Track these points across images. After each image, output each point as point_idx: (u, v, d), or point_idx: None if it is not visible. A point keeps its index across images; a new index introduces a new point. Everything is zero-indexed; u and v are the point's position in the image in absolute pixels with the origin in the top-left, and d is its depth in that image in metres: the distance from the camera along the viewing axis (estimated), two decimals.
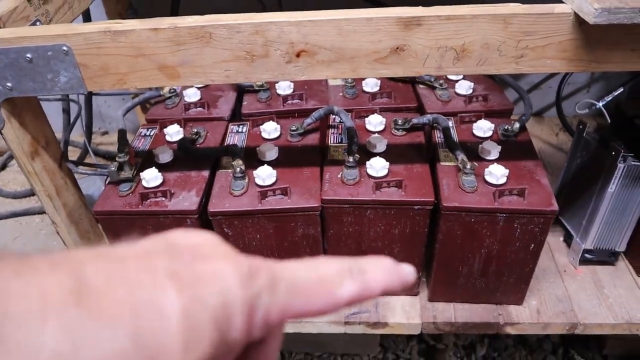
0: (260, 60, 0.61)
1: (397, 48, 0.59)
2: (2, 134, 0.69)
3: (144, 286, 0.19)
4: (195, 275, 0.20)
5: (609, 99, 1.02)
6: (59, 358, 0.16)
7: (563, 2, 0.57)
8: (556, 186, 0.95)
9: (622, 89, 1.05)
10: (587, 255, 0.90)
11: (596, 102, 1.01)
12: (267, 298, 0.21)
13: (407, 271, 0.26)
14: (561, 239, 0.98)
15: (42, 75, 0.63)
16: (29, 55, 0.61)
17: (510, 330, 0.86)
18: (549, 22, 0.57)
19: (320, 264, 0.24)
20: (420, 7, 0.58)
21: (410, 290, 0.87)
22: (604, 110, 1.00)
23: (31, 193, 1.28)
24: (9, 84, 0.63)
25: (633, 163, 0.77)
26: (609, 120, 0.98)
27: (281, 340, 0.26)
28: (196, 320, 0.19)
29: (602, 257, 0.91)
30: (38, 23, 0.73)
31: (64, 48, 0.60)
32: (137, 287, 0.19)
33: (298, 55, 0.60)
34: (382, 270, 0.25)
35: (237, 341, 0.21)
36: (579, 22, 0.56)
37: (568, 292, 0.89)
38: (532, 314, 0.86)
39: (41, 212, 1.21)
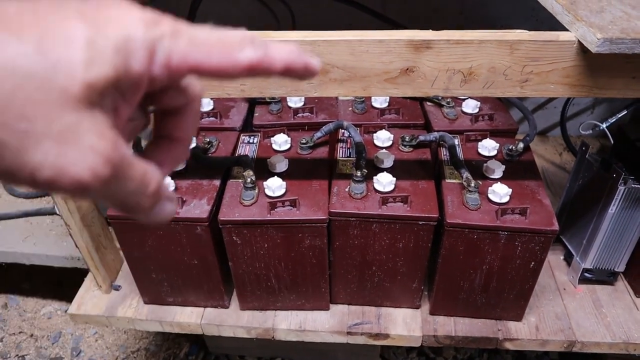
0: (275, 77, 0.63)
1: (407, 69, 0.61)
2: None
3: (53, 18, 0.21)
4: (102, 16, 0.22)
5: (612, 121, 1.04)
6: None
7: (568, 30, 0.60)
8: (558, 205, 0.96)
9: (625, 112, 1.07)
10: (586, 274, 0.92)
11: (600, 124, 1.03)
12: (168, 42, 0.23)
13: (312, 60, 0.27)
14: (561, 257, 1.00)
15: None
16: None
17: (509, 346, 0.87)
18: (554, 49, 0.59)
19: (225, 30, 0.26)
20: (431, 30, 0.60)
21: (410, 302, 0.89)
22: (608, 132, 1.02)
23: (43, 194, 1.31)
24: None
25: (634, 185, 0.79)
26: (612, 142, 1.00)
27: (198, 114, 0.30)
28: (99, 45, 0.21)
29: (602, 277, 0.93)
30: None
31: None
32: (47, 16, 0.21)
33: None
34: (286, 49, 0.26)
35: (139, 75, 0.23)
36: (583, 50, 0.58)
37: (567, 310, 0.90)
38: (530, 330, 0.87)
39: (52, 212, 1.24)
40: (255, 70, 0.25)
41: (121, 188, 0.23)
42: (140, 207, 0.25)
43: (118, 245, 0.91)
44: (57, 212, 0.83)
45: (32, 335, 1.38)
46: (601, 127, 1.03)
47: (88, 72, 0.21)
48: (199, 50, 0.24)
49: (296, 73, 0.27)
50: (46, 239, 1.17)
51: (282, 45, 0.27)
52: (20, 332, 1.39)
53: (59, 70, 0.20)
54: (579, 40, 0.58)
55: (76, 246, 0.87)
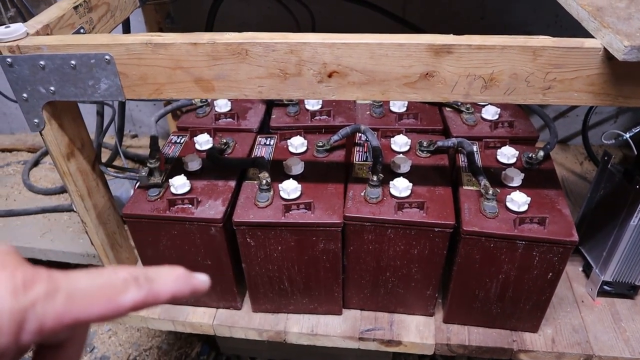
0: (293, 79, 0.63)
1: (427, 74, 0.60)
2: (42, 135, 0.72)
3: None
4: None
5: (636, 131, 1.01)
6: None
7: (593, 37, 0.58)
8: (578, 215, 0.95)
9: None
10: (605, 287, 0.90)
11: (623, 133, 1.01)
12: (42, 307, 0.23)
13: (200, 280, 0.28)
14: (580, 268, 0.98)
15: (83, 81, 0.65)
16: (73, 62, 0.64)
17: (523, 357, 0.86)
18: (578, 55, 0.58)
19: (106, 272, 0.26)
20: (452, 35, 0.59)
21: (423, 309, 0.88)
22: (631, 142, 0.99)
23: (61, 191, 1.32)
24: (52, 88, 0.66)
25: None
26: (635, 152, 0.98)
27: (83, 344, 0.28)
28: None
29: (621, 290, 0.90)
30: (82, 30, 0.77)
31: (107, 57, 0.63)
32: None
33: (330, 76, 0.62)
34: (171, 279, 0.27)
35: (5, 346, 0.22)
36: (608, 57, 0.57)
37: (584, 323, 0.88)
38: (546, 342, 0.85)
39: (70, 209, 1.25)
40: (140, 307, 0.26)
41: None
42: None
43: (133, 244, 0.92)
44: (75, 209, 0.83)
45: None
46: (624, 137, 1.00)
47: None
48: (78, 305, 0.24)
49: (185, 297, 0.27)
50: (63, 236, 1.18)
51: (169, 274, 0.27)
52: None
53: None
54: (604, 48, 0.56)
55: (91, 243, 0.88)
